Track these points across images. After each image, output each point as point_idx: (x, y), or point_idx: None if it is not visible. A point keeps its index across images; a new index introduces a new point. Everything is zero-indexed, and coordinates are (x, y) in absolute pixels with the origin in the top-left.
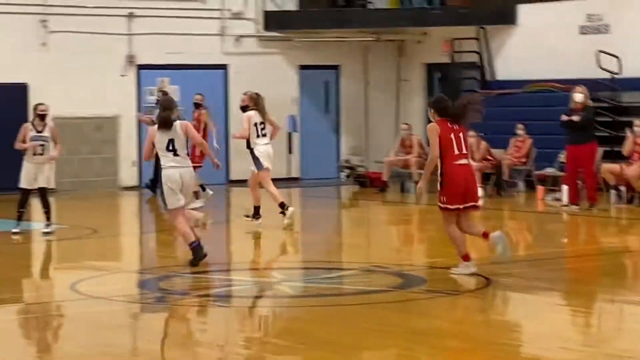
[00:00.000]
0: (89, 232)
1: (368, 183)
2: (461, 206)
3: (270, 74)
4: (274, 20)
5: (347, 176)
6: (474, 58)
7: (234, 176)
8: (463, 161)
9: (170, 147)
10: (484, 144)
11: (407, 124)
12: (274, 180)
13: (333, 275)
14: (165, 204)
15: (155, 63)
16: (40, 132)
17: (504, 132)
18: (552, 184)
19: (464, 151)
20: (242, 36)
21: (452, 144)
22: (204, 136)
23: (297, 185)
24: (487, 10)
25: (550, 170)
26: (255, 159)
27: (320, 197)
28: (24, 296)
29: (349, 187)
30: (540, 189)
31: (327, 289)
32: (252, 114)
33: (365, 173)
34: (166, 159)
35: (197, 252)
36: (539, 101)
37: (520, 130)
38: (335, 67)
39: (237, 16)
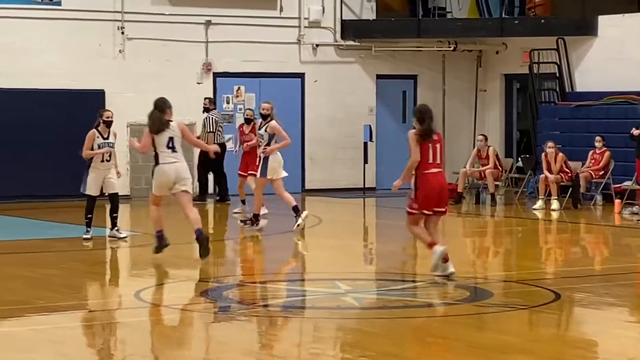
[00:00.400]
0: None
1: None
2: (431, 211)
3: (347, 83)
4: (351, 29)
5: None
6: (553, 69)
7: (309, 185)
8: (435, 170)
9: (170, 145)
10: (561, 155)
11: (483, 135)
12: (352, 189)
13: (400, 287)
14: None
15: (231, 71)
16: (106, 138)
17: (582, 144)
18: (630, 197)
19: (438, 161)
20: (319, 45)
21: (428, 153)
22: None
23: (372, 195)
24: (567, 21)
25: (627, 184)
26: (264, 166)
27: (395, 208)
28: (89, 303)
29: None
30: (617, 202)
31: (392, 301)
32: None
33: None
34: (164, 155)
35: (161, 241)
36: (618, 113)
37: (598, 142)
38: (412, 77)
39: (315, 25)
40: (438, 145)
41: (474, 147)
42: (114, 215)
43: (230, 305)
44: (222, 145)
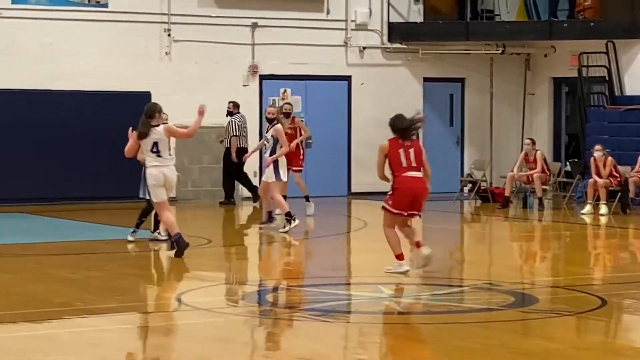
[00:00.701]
0: (203, 242)
1: (490, 198)
2: (405, 213)
3: (394, 86)
4: (398, 32)
5: (470, 191)
6: (602, 73)
7: (355, 188)
8: (412, 173)
9: (154, 149)
10: (610, 159)
11: (530, 139)
12: None
13: (444, 291)
14: (150, 197)
15: (277, 73)
16: None
17: (631, 148)
18: None
19: (413, 164)
20: (366, 47)
21: (400, 159)
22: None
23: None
24: (617, 24)
25: None
26: (277, 170)
27: (442, 212)
28: (130, 305)
29: (471, 201)
30: None
31: (436, 306)
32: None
33: (487, 188)
34: (150, 159)
35: (180, 244)
36: None
37: None
38: (460, 80)
39: (362, 27)
40: (411, 150)
41: (521, 151)
42: (159, 218)
43: (271, 309)
44: (244, 150)
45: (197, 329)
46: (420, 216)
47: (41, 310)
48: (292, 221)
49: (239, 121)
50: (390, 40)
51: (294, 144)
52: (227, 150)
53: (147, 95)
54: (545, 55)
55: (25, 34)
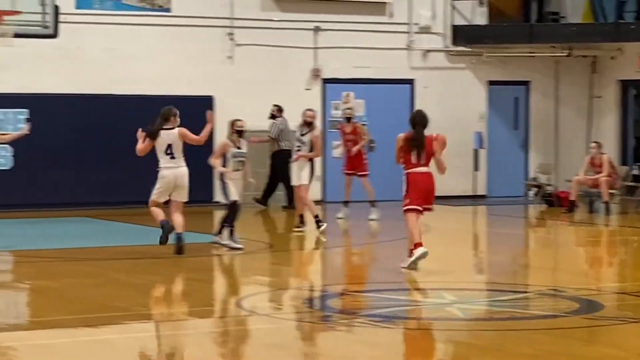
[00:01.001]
0: (264, 247)
1: (556, 202)
2: (421, 207)
3: (458, 89)
4: (462, 35)
5: (535, 195)
6: None
7: None
8: (420, 169)
9: (168, 151)
10: None
11: (596, 142)
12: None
13: (507, 297)
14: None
15: (340, 77)
16: (239, 148)
17: None
18: None
19: (422, 161)
20: (429, 51)
21: (412, 155)
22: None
23: (483, 203)
24: None
25: None
26: (312, 174)
27: (506, 216)
28: (189, 310)
29: (536, 206)
30: None
31: (499, 313)
32: None
33: (553, 192)
34: (164, 161)
35: (165, 228)
36: None
37: None
38: (525, 83)
39: (425, 30)
40: (424, 149)
41: (587, 154)
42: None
43: (332, 314)
44: (285, 153)
45: (256, 334)
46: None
47: (101, 315)
48: (321, 224)
49: (280, 124)
50: (454, 43)
51: (355, 148)
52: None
53: (209, 100)
54: (612, 58)
55: (88, 39)
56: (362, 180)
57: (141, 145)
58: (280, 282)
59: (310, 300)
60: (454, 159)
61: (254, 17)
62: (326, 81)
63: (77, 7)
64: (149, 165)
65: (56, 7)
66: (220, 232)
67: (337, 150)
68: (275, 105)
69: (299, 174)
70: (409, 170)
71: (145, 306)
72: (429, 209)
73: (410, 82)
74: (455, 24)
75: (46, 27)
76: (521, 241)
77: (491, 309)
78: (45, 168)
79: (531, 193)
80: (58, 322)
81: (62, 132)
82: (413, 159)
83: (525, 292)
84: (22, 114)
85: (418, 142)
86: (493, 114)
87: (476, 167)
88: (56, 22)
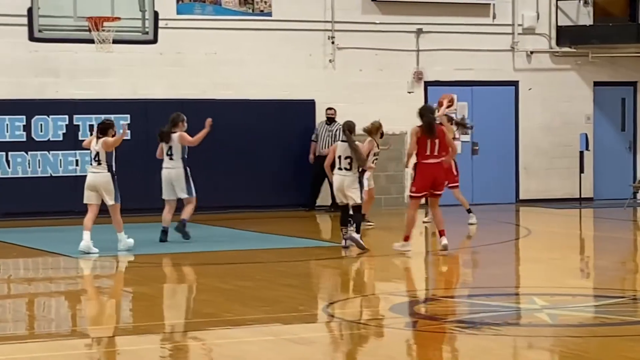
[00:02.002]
0: (358, 251)
1: None
2: (426, 193)
3: (563, 91)
4: (567, 35)
5: None
6: None
7: (523, 195)
8: (432, 160)
9: (169, 152)
10: None
11: None
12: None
13: (602, 303)
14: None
15: (443, 79)
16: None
17: None
18: None
19: (435, 153)
20: (533, 52)
21: (426, 146)
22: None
23: (588, 206)
24: None
25: None
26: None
27: (613, 219)
28: (276, 316)
29: None
30: None
31: (589, 319)
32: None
33: None
34: (164, 162)
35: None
36: None
37: None
38: (632, 84)
39: (529, 31)
40: (437, 140)
41: None
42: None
43: (418, 320)
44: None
45: (340, 340)
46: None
47: (187, 321)
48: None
49: (331, 129)
50: (558, 44)
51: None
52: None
53: (311, 104)
54: None
55: (190, 44)
56: (454, 192)
57: (159, 150)
58: (372, 287)
59: (398, 306)
60: (559, 161)
61: (355, 20)
62: (428, 84)
63: (178, 13)
64: (251, 170)
65: (156, 13)
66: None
67: None
68: (332, 109)
69: (369, 179)
70: (422, 161)
71: (232, 312)
72: (438, 194)
73: (514, 84)
74: (560, 24)
75: (146, 32)
76: (628, 245)
77: (581, 315)
78: (145, 173)
79: (639, 195)
80: (146, 328)
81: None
82: (427, 150)
83: (622, 297)
84: (124, 119)
85: (431, 128)
86: (599, 116)
87: (582, 169)
88: (156, 27)
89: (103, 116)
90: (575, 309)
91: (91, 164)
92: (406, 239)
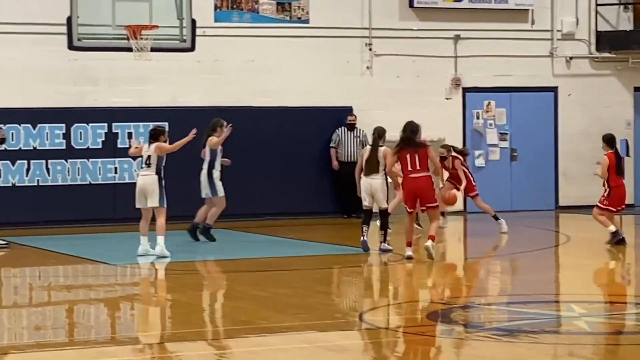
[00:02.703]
0: (399, 258)
1: None
2: (412, 209)
3: (603, 96)
4: (607, 41)
5: None
6: None
7: (562, 202)
8: (414, 175)
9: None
10: None
11: None
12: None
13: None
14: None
15: (481, 86)
16: None
17: None
18: None
19: (417, 167)
20: (572, 57)
21: (407, 162)
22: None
23: (629, 212)
24: None
25: None
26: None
27: None
28: (311, 324)
29: None
30: None
31: (628, 327)
32: None
33: None
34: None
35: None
36: None
37: None
38: None
39: (568, 37)
40: (417, 155)
41: None
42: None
43: (453, 328)
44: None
45: (372, 348)
46: (429, 208)
47: (222, 329)
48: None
49: (357, 134)
50: (598, 49)
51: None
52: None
53: (348, 110)
54: None
55: (227, 52)
56: (475, 201)
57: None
58: (409, 294)
59: (433, 314)
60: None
61: (392, 26)
62: (467, 90)
63: (216, 21)
64: (289, 177)
65: (193, 21)
66: (385, 240)
67: (479, 160)
68: (354, 115)
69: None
70: (405, 177)
71: (268, 319)
72: (433, 207)
73: (553, 90)
74: (600, 29)
75: (184, 40)
76: None
77: (620, 323)
78: (185, 180)
79: None
80: (182, 335)
81: (201, 145)
82: (409, 165)
83: None
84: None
85: (408, 143)
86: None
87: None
88: (193, 35)
89: (141, 124)
90: (614, 317)
91: (142, 168)
92: (408, 244)
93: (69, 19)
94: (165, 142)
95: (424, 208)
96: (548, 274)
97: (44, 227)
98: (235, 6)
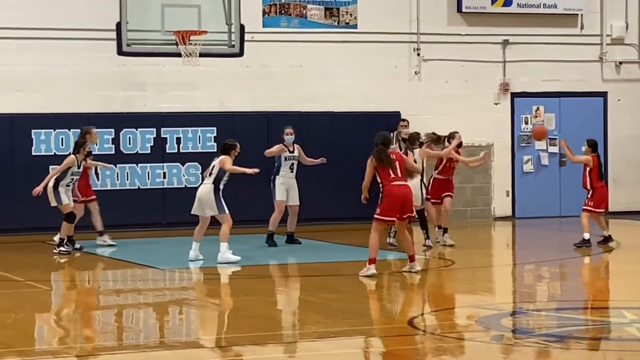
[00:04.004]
0: (447, 264)
1: None
2: (393, 219)
3: None
4: None
5: None
6: None
7: (612, 207)
8: (398, 182)
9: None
10: None
11: None
12: None
13: None
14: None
15: (529, 91)
16: None
17: None
18: None
19: (399, 175)
20: (622, 62)
21: (388, 171)
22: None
23: None
24: None
25: None
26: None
27: None
28: (359, 329)
29: None
30: None
31: None
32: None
33: None
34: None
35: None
36: None
37: None
38: None
39: (618, 42)
40: (397, 163)
41: None
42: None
43: (503, 334)
44: None
45: (421, 353)
46: (411, 218)
47: (269, 334)
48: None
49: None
50: None
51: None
52: None
53: (396, 116)
54: None
55: (275, 57)
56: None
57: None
58: (457, 300)
59: (483, 319)
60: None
61: (440, 32)
62: (515, 95)
63: (264, 26)
64: (335, 183)
65: (242, 26)
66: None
67: (528, 165)
68: (405, 120)
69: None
70: (389, 184)
71: (317, 325)
72: (410, 217)
73: (603, 95)
74: None
75: (232, 46)
76: None
77: None
78: (234, 186)
79: None
80: (231, 340)
81: (249, 150)
82: (391, 174)
83: None
84: (210, 132)
85: (383, 158)
86: None
87: None
88: (242, 40)
89: (190, 129)
90: None
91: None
92: (370, 262)
93: (119, 25)
94: (235, 157)
95: (406, 217)
96: (598, 280)
97: (93, 231)
98: (283, 11)
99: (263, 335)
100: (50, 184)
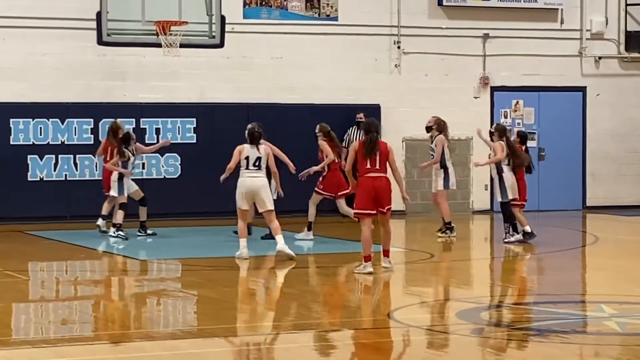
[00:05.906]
0: (425, 257)
1: None
2: (373, 211)
3: (632, 97)
4: (636, 41)
5: None
6: None
7: (590, 202)
8: (373, 174)
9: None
10: None
11: None
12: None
13: None
14: None
15: (509, 85)
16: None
17: None
18: None
19: (377, 167)
20: (601, 57)
21: (366, 161)
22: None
23: None
24: None
25: None
26: (447, 179)
27: None
28: (340, 321)
29: None
30: None
31: None
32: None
33: None
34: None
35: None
36: None
37: None
38: None
39: (597, 37)
40: (377, 153)
41: None
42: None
43: (483, 327)
44: None
45: (399, 346)
46: (388, 210)
47: (249, 325)
48: (452, 231)
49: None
50: (627, 49)
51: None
52: None
53: (376, 108)
54: None
55: (256, 48)
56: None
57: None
58: (437, 293)
59: (463, 312)
60: (627, 168)
61: (421, 25)
62: (495, 89)
63: (245, 17)
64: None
65: (223, 17)
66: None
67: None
68: (363, 113)
69: (436, 180)
70: (363, 175)
71: (296, 316)
72: (383, 212)
73: (582, 89)
74: (629, 29)
75: (213, 37)
76: None
77: None
78: (213, 176)
79: None
80: (209, 331)
81: (229, 141)
82: (367, 164)
83: None
84: (190, 122)
85: (372, 146)
86: None
87: None
88: (222, 31)
89: (169, 120)
90: None
91: (247, 169)
92: (366, 259)
93: (99, 14)
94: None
95: (383, 210)
96: (576, 274)
97: (71, 221)
98: (264, 3)
99: (242, 326)
100: (115, 175)
